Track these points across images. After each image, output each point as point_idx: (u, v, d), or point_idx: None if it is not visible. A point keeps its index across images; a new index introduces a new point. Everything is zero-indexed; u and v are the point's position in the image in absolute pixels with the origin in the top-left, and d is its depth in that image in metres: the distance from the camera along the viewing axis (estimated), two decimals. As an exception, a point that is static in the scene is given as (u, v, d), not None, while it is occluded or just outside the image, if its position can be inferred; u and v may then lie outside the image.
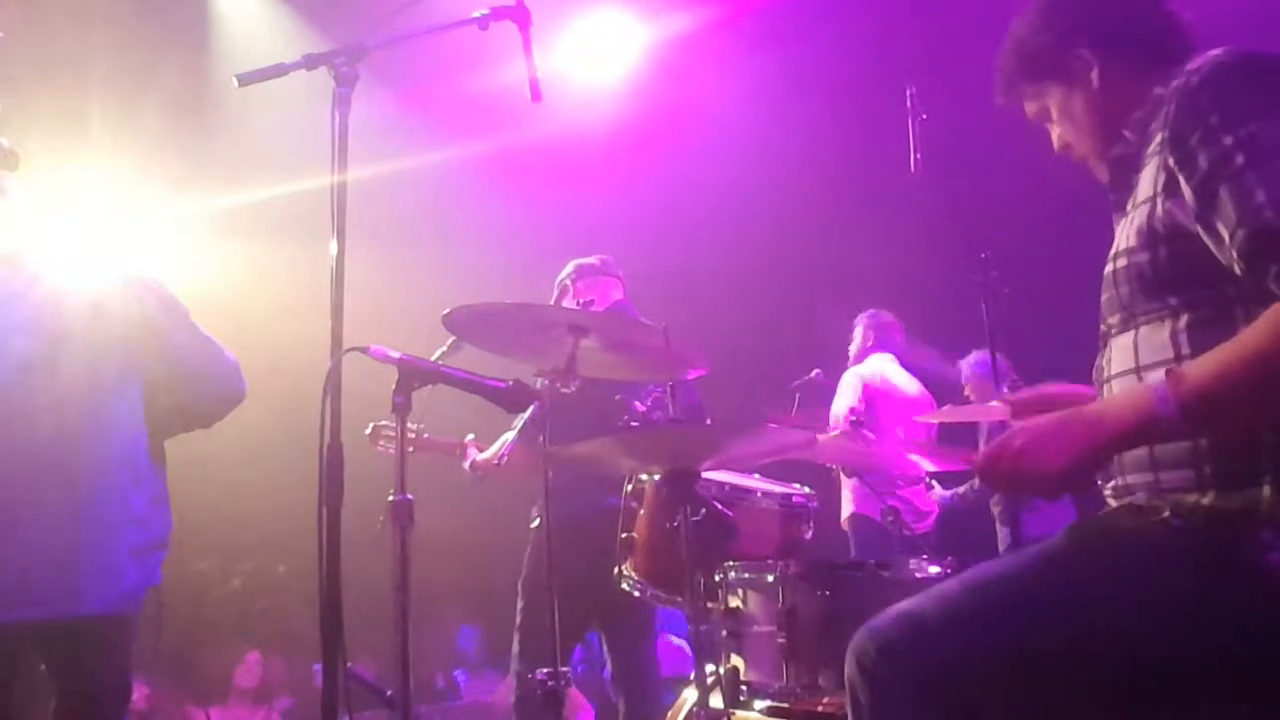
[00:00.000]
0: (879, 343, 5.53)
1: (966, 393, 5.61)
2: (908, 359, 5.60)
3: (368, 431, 4.26)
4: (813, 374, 5.48)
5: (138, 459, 2.86)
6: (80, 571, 2.68)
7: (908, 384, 5.41)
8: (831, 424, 5.07)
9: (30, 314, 2.81)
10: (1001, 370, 4.62)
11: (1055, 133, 1.85)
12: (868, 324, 5.61)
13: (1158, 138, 1.57)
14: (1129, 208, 1.63)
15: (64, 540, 2.68)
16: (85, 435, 2.78)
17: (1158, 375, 1.47)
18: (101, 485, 2.77)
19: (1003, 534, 5.30)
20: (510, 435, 3.89)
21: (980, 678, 1.49)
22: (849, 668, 1.58)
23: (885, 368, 5.42)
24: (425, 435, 4.18)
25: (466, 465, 4.19)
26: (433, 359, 3.06)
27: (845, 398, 5.26)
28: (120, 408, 2.86)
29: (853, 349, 5.63)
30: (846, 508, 5.22)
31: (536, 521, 3.93)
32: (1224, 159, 1.45)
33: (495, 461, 4.01)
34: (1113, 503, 1.65)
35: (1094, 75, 1.74)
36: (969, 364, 5.63)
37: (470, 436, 4.24)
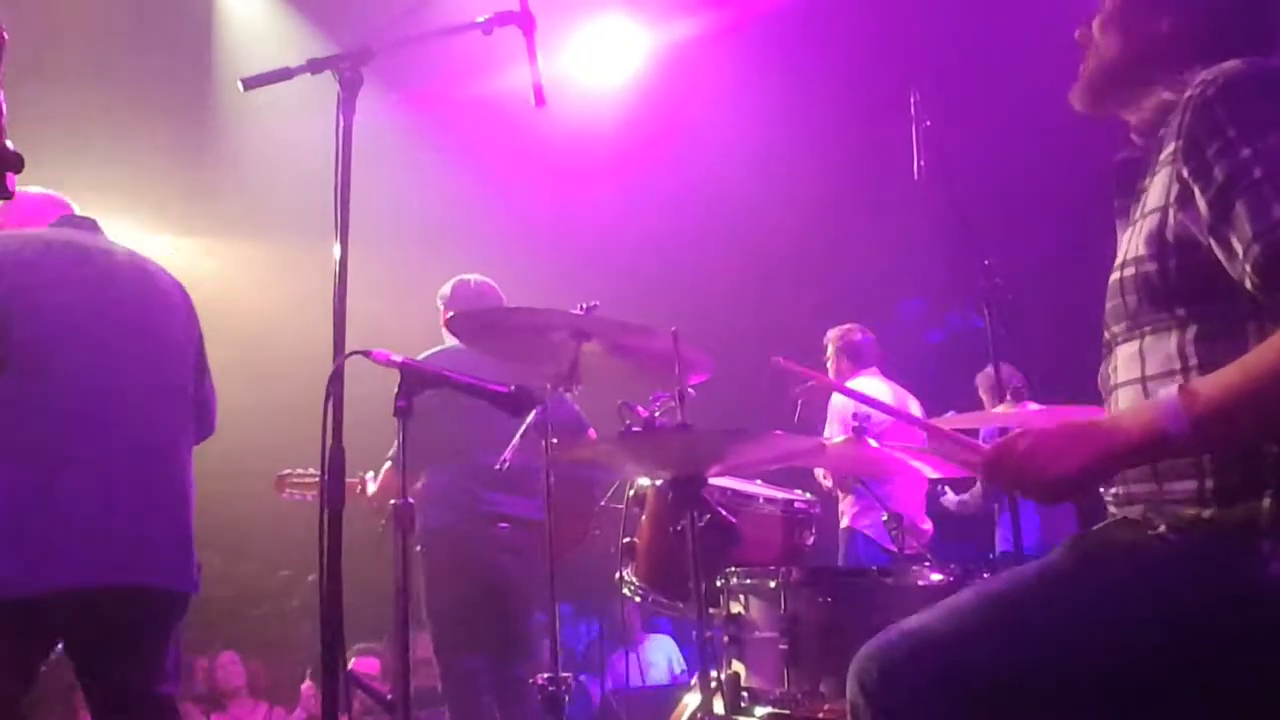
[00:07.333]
0: (855, 364, 5.46)
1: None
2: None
3: (273, 481, 4.38)
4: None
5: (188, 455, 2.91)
6: (162, 544, 2.73)
7: (889, 397, 5.33)
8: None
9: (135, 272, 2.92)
10: (1007, 378, 4.57)
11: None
12: (840, 347, 5.48)
13: (1170, 147, 1.54)
14: (1135, 215, 1.61)
15: (156, 512, 2.72)
16: (176, 403, 2.87)
17: (1163, 385, 1.45)
18: (183, 465, 2.84)
19: (1001, 536, 5.24)
20: (386, 464, 4.05)
21: (984, 699, 1.48)
22: (851, 689, 1.56)
23: (867, 388, 5.34)
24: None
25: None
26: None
27: (833, 425, 5.20)
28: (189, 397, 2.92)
29: (830, 369, 5.49)
30: (842, 521, 5.18)
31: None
32: (1241, 171, 1.43)
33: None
34: (1113, 510, 1.64)
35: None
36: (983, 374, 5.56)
37: (370, 474, 4.25)
